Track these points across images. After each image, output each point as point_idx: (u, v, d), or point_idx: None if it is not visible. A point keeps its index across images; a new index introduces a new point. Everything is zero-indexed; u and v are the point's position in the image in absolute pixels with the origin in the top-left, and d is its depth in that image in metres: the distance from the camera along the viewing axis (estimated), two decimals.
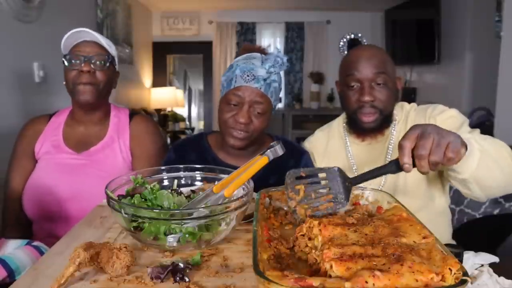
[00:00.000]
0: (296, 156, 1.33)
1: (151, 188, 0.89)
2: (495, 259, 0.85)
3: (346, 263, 0.54)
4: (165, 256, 0.79)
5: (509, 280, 0.80)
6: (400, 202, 0.76)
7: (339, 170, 0.80)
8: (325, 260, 0.56)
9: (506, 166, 1.00)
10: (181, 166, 1.04)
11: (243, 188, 0.87)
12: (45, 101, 2.44)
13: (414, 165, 0.76)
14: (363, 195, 0.84)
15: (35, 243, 1.04)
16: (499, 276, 0.81)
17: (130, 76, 4.85)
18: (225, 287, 0.67)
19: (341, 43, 6.03)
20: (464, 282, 0.50)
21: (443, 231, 1.33)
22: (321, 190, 0.78)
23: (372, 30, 5.93)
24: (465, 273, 0.51)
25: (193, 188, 1.01)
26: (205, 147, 1.33)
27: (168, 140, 4.73)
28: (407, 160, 0.75)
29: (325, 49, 6.00)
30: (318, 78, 5.95)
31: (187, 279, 0.68)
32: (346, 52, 5.93)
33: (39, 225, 1.39)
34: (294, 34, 5.99)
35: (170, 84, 6.26)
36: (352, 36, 6.01)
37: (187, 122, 6.91)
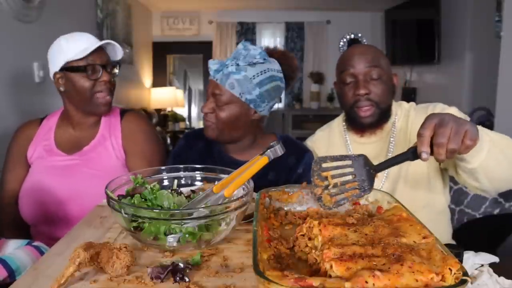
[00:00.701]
0: (298, 154, 1.34)
1: (151, 188, 0.88)
2: (495, 259, 0.85)
3: (346, 263, 0.54)
4: (165, 256, 0.79)
5: (509, 280, 0.80)
6: (400, 202, 0.76)
7: (365, 158, 0.82)
8: (325, 260, 0.56)
9: None
10: (181, 166, 1.04)
11: (243, 188, 0.86)
12: (45, 101, 2.43)
13: (431, 153, 0.78)
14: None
15: (36, 243, 1.04)
16: (499, 276, 0.81)
17: (130, 76, 4.85)
18: (225, 287, 0.67)
19: (341, 43, 6.03)
20: (464, 282, 0.50)
21: (443, 231, 1.34)
22: (346, 178, 0.80)
23: (372, 30, 5.93)
24: (465, 273, 0.51)
25: (193, 188, 1.01)
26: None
27: (168, 140, 4.72)
28: (425, 148, 0.77)
29: (325, 49, 6.00)
30: (318, 78, 5.94)
31: (187, 279, 0.67)
32: None
33: (37, 228, 1.38)
34: (294, 34, 5.99)
35: (170, 84, 6.26)
36: (352, 36, 6.01)
37: (187, 122, 6.90)
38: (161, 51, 5.98)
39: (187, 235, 0.76)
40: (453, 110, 1.24)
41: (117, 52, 1.42)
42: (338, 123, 1.46)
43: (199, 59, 6.32)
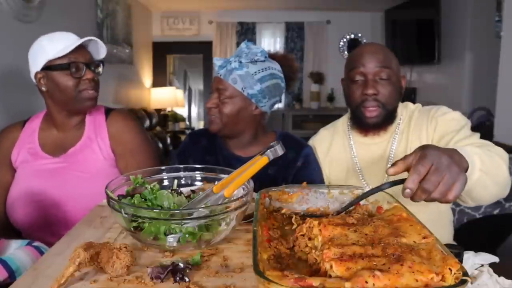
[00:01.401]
0: (297, 149, 1.37)
1: (151, 188, 0.88)
2: (495, 259, 0.85)
3: (346, 263, 0.54)
4: (165, 256, 0.78)
5: (509, 280, 0.80)
6: (400, 202, 0.76)
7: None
8: (325, 260, 0.56)
9: (502, 181, 1.00)
10: (181, 166, 1.04)
11: (243, 188, 0.86)
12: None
13: None
14: None
15: (36, 243, 1.04)
16: (499, 276, 0.81)
17: (130, 76, 4.85)
18: (225, 287, 0.67)
19: (341, 43, 6.03)
20: (464, 282, 0.50)
21: (444, 232, 1.33)
22: None
23: (372, 30, 5.93)
24: (465, 273, 0.51)
25: (193, 188, 1.01)
26: (216, 135, 1.41)
27: (168, 140, 4.72)
28: (413, 186, 0.72)
29: (325, 49, 6.00)
30: (318, 78, 5.95)
31: (187, 279, 0.67)
32: (346, 52, 5.95)
33: (29, 235, 1.33)
34: (294, 34, 5.99)
35: (170, 84, 6.26)
36: (352, 36, 6.01)
37: (187, 122, 6.91)
38: (161, 51, 5.98)
39: (187, 235, 0.76)
40: (456, 115, 1.24)
41: (100, 51, 1.40)
42: (342, 122, 1.46)
43: (199, 59, 6.32)
